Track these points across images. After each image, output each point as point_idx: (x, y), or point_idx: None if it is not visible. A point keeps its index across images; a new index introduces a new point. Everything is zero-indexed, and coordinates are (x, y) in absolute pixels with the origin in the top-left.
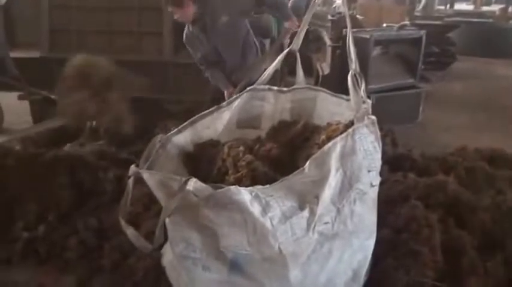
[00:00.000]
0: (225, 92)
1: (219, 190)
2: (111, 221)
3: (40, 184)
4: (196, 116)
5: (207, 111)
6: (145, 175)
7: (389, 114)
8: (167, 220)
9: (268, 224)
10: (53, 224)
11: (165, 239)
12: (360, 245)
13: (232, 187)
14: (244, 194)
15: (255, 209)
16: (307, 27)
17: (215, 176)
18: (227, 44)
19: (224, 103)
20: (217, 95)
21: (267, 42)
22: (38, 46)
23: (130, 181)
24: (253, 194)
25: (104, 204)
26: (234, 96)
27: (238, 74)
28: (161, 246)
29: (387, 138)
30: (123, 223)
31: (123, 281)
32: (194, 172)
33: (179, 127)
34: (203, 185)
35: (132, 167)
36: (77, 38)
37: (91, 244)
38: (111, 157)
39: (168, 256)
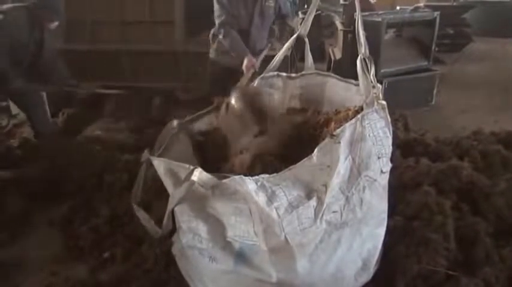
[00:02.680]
0: (245, 59)
1: (224, 180)
2: (123, 208)
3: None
4: (210, 107)
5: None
6: (155, 162)
7: (403, 98)
8: (175, 209)
9: (274, 214)
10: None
11: (175, 227)
12: (370, 234)
13: (237, 177)
14: (249, 184)
15: (260, 198)
16: (318, 12)
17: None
18: (264, 15)
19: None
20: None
21: None
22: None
23: (143, 167)
24: (258, 183)
25: (117, 191)
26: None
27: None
28: (172, 234)
29: (399, 122)
30: (135, 206)
31: (134, 269)
32: (206, 160)
33: (193, 116)
34: (208, 175)
35: (145, 154)
36: (91, 29)
37: (103, 232)
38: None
39: (177, 244)
